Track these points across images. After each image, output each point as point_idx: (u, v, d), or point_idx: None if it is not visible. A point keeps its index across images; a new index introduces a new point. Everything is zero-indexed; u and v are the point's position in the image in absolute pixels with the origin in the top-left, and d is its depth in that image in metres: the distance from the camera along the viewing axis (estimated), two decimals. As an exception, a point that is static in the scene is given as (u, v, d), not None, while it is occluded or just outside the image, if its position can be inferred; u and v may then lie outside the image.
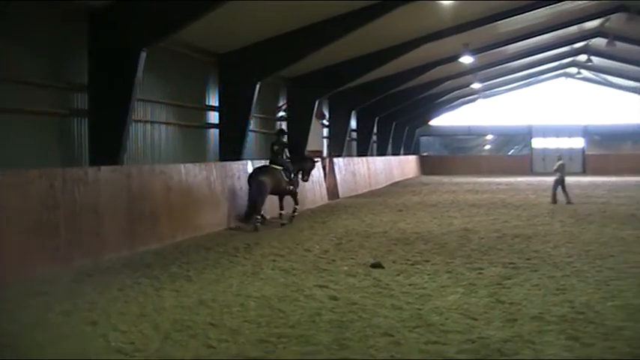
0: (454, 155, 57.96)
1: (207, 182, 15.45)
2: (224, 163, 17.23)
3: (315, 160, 19.03)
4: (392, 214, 19.58)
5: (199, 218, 14.84)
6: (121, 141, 13.53)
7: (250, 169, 17.13)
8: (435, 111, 49.76)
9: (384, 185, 34.88)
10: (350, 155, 33.56)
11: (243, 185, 16.93)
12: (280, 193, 17.14)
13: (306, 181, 18.70)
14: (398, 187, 34.99)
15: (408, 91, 34.69)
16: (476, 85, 40.59)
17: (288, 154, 17.47)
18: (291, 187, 17.18)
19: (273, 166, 16.77)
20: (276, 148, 17.07)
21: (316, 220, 17.80)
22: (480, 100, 50.91)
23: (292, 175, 17.17)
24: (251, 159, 19.06)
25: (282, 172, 16.74)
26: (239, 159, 18.37)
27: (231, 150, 18.92)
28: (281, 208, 17.36)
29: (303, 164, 18.05)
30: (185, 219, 14.28)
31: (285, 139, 17.51)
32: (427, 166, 51.52)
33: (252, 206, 15.85)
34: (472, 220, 17.91)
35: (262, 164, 17.36)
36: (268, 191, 16.17)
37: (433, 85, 36.09)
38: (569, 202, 22.15)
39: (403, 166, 44.12)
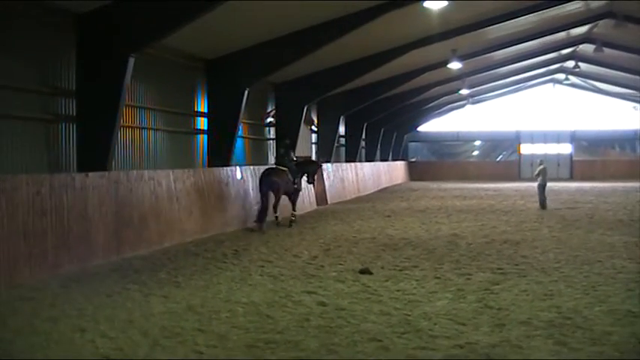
0: (442, 161, 58.06)
1: (195, 188, 15.44)
2: (212, 169, 17.28)
3: (320, 163, 19.87)
4: (380, 220, 19.60)
5: (188, 224, 14.82)
6: (109, 147, 13.45)
7: (239, 175, 17.56)
8: (424, 117, 49.88)
9: (372, 191, 34.90)
10: (338, 161, 33.55)
11: (232, 191, 17.05)
12: (289, 194, 17.97)
13: (311, 183, 19.67)
14: (386, 192, 35.03)
15: (397, 96, 34.71)
16: (464, 91, 40.61)
17: (294, 157, 18.34)
18: (296, 187, 18.12)
19: (280, 167, 17.59)
20: (282, 151, 18.06)
21: (305, 226, 17.78)
22: (468, 106, 50.97)
23: (295, 177, 17.95)
24: (239, 165, 19.14)
25: (288, 174, 17.59)
26: (227, 165, 18.38)
27: (220, 156, 18.89)
28: (293, 209, 18.16)
29: (308, 167, 19.03)
30: (173, 225, 14.25)
31: (287, 141, 18.36)
32: (415, 172, 51.56)
33: (264, 206, 16.63)
34: (460, 225, 17.96)
35: (270, 167, 18.30)
36: (282, 190, 17.15)
37: (422, 91, 36.13)
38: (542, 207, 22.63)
39: (391, 171, 44.16)
